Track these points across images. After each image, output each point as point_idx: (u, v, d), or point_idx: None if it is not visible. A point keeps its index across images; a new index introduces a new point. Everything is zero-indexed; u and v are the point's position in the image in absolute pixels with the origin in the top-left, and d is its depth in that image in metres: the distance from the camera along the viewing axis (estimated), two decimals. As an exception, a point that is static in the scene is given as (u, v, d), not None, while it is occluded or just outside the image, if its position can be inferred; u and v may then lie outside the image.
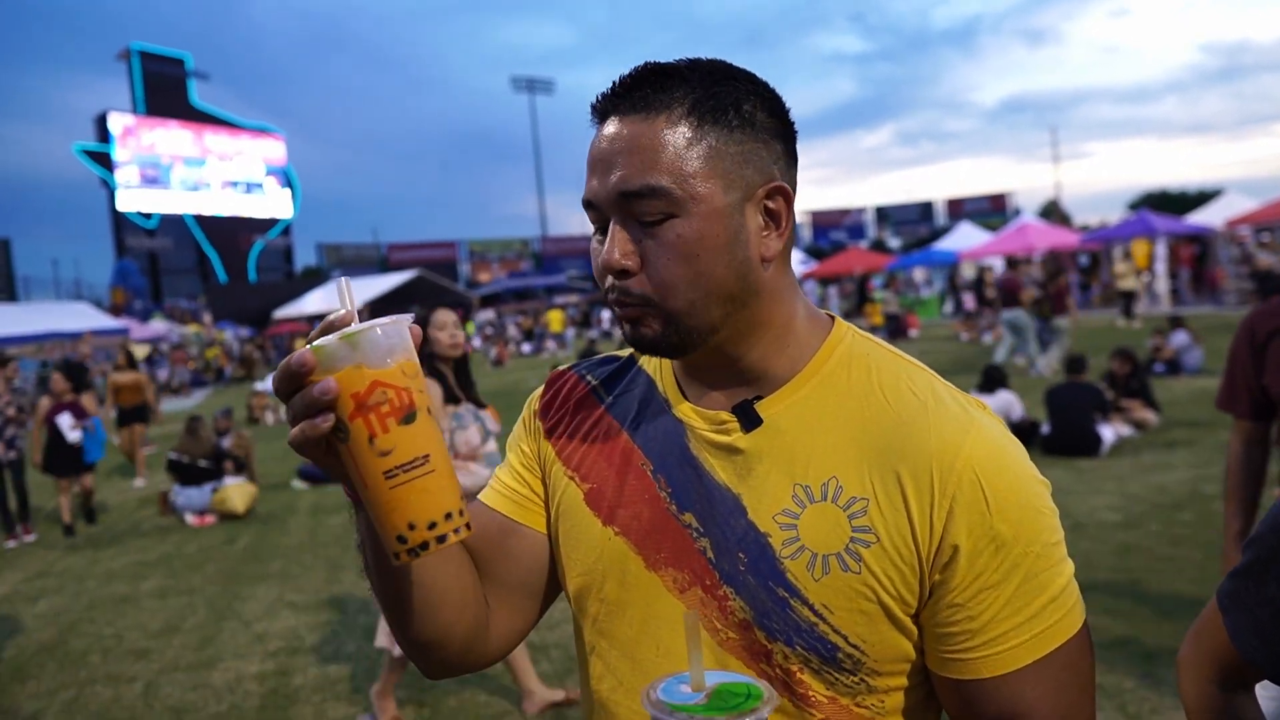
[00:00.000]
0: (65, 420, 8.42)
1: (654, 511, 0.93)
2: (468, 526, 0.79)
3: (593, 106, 0.91)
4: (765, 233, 0.89)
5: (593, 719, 1.01)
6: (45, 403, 8.58)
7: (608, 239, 0.87)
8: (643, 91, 0.86)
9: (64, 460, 8.49)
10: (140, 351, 14.54)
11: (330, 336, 0.75)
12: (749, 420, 0.91)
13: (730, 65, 0.90)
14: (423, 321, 4.19)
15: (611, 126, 0.88)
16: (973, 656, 0.83)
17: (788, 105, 0.92)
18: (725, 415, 0.92)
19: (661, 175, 0.84)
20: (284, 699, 4.23)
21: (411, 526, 0.76)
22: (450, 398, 3.58)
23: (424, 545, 0.77)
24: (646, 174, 0.84)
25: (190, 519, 8.26)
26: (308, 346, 0.75)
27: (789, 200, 0.89)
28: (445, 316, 3.66)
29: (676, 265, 0.85)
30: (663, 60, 0.90)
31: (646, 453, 0.96)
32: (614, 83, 0.89)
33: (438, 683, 4.21)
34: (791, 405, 0.90)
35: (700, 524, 0.90)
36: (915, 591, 0.84)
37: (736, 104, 0.87)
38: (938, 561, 0.82)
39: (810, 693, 0.86)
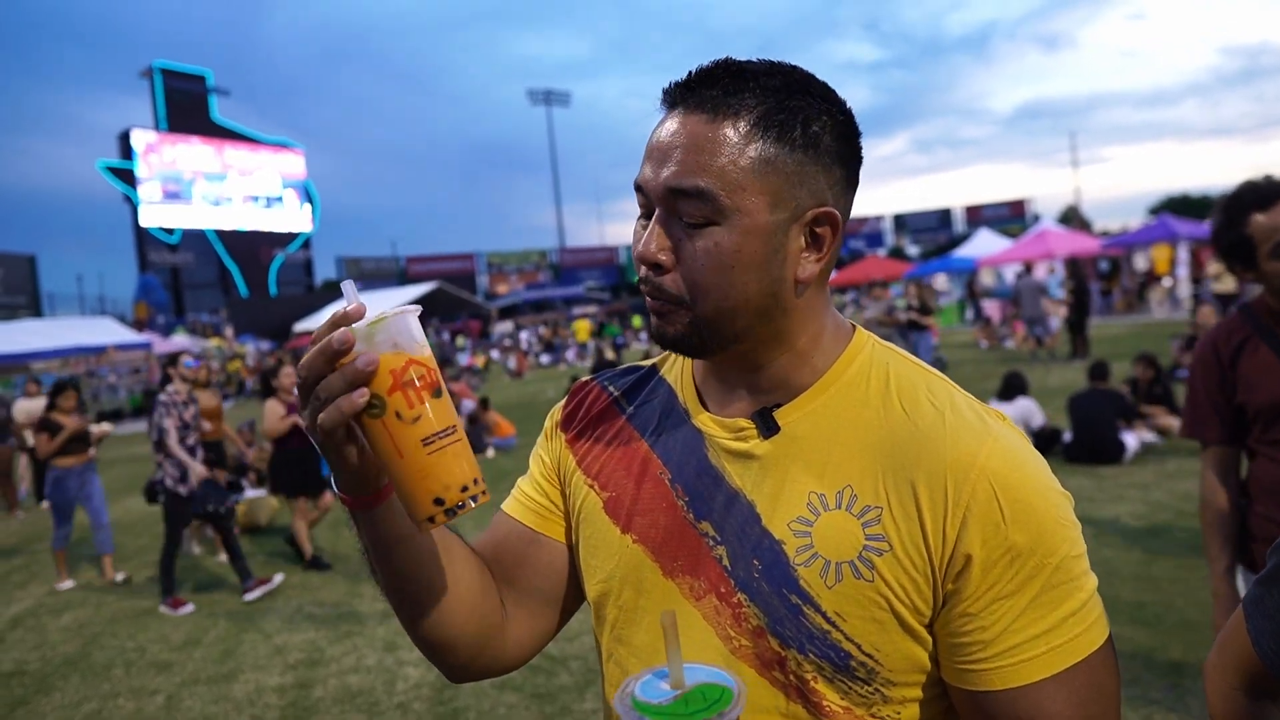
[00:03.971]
0: None
1: (670, 519, 0.94)
2: (484, 493, 0.84)
3: (664, 91, 0.90)
4: (805, 254, 0.88)
5: None
6: (275, 405, 6.90)
7: (648, 231, 0.87)
8: (714, 90, 0.85)
9: (304, 476, 6.87)
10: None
11: (365, 320, 0.80)
12: (767, 427, 0.91)
13: (811, 77, 0.89)
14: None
15: (676, 119, 0.87)
16: (986, 667, 0.82)
17: (859, 128, 0.90)
18: (744, 422, 0.93)
19: (712, 179, 0.83)
20: (304, 711, 4.24)
21: (446, 488, 0.81)
22: None
23: (460, 506, 0.82)
24: (697, 175, 0.83)
25: (212, 532, 8.30)
26: (344, 329, 0.79)
27: (836, 227, 0.88)
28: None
29: (710, 273, 0.85)
30: (741, 59, 0.88)
31: (665, 462, 0.97)
32: (690, 73, 0.88)
33: (457, 697, 4.22)
34: (809, 413, 0.90)
35: (717, 532, 0.91)
36: (929, 600, 0.83)
37: (806, 122, 0.85)
38: (950, 571, 0.82)
39: (825, 702, 0.85)
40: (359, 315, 0.81)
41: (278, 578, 6.22)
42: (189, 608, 6.09)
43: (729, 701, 0.70)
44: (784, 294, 0.88)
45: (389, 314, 0.80)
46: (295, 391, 6.38)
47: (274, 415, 6.86)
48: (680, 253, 0.86)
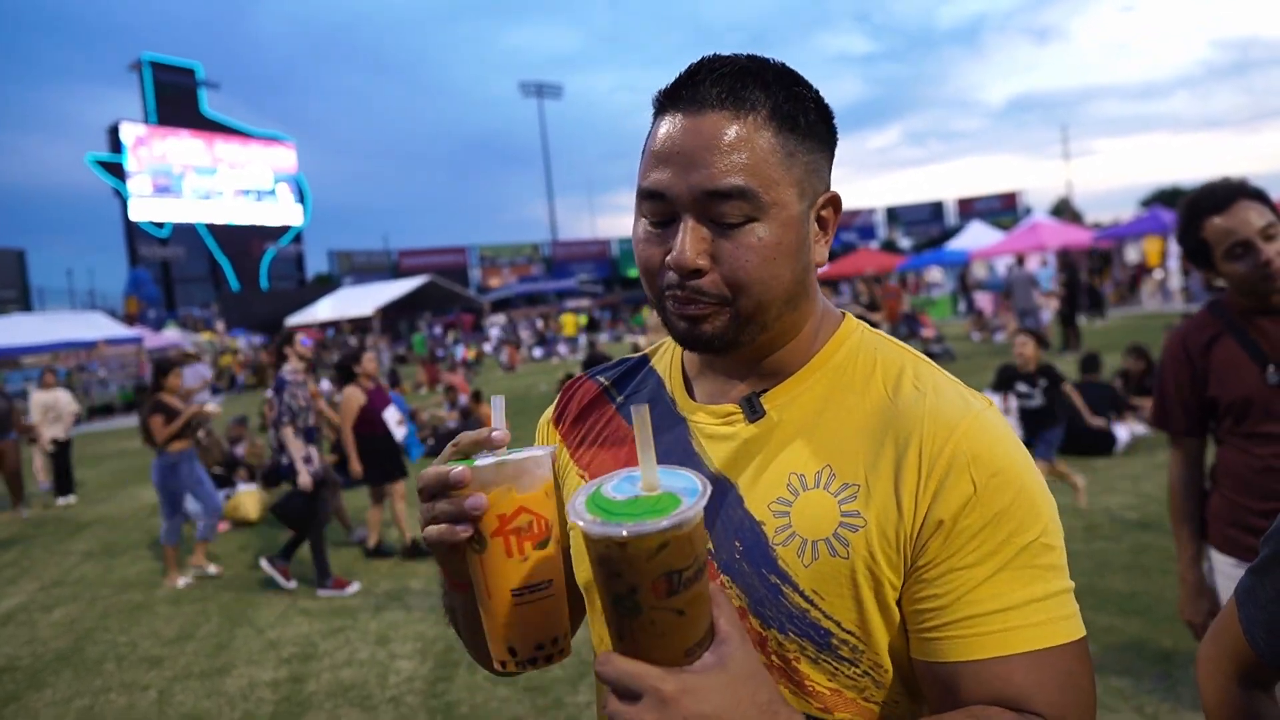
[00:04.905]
0: (393, 414, 6.82)
1: None
2: (562, 653, 0.83)
3: (664, 94, 0.89)
4: (817, 240, 0.91)
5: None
6: (356, 393, 6.64)
7: (681, 237, 0.85)
8: (723, 87, 0.85)
9: (391, 462, 6.72)
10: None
11: (489, 460, 0.79)
12: (753, 411, 0.93)
13: (788, 67, 0.90)
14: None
15: (689, 119, 0.85)
16: (938, 636, 0.82)
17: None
18: (731, 407, 0.95)
19: (750, 177, 0.83)
20: (297, 705, 4.24)
21: (524, 641, 0.81)
22: None
23: (532, 661, 0.81)
24: (734, 175, 0.83)
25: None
26: (464, 466, 0.78)
27: (838, 209, 0.92)
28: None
29: (754, 268, 0.85)
30: (726, 54, 0.88)
31: None
32: (690, 73, 0.88)
33: (450, 690, 4.22)
34: (795, 397, 0.92)
35: None
36: (900, 573, 0.84)
37: (806, 111, 0.87)
38: (919, 539, 0.83)
39: (808, 682, 0.86)
40: (502, 443, 0.82)
41: (354, 585, 6.01)
42: (355, 586, 6.00)
43: (672, 509, 0.65)
44: (808, 280, 0.91)
45: (516, 457, 0.79)
46: (377, 381, 6.02)
47: (354, 403, 6.53)
48: (718, 253, 0.85)
